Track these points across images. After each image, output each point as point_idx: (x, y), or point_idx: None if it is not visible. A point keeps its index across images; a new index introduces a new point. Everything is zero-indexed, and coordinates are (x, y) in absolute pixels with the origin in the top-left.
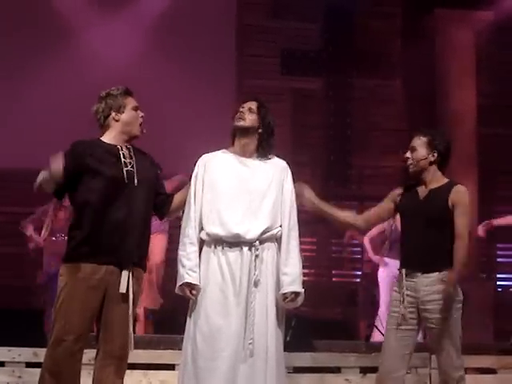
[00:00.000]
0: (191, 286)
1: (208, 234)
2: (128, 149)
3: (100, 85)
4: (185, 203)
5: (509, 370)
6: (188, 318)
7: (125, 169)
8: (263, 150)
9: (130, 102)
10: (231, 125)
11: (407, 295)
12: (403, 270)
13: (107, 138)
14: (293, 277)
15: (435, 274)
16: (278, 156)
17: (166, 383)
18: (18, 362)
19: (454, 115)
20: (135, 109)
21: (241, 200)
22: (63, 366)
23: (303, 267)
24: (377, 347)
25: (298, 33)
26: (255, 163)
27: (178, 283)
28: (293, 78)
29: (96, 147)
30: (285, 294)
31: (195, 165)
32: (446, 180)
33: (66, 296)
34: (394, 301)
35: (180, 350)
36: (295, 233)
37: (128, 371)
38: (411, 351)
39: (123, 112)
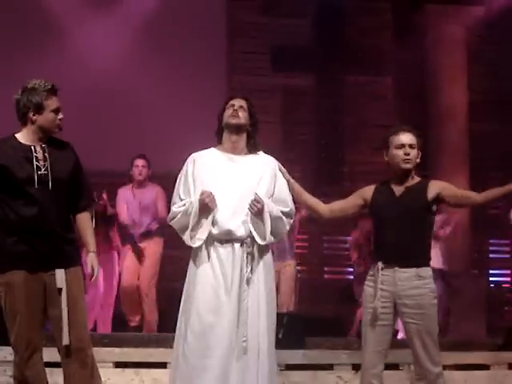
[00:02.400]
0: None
1: None
2: (42, 148)
3: (91, 81)
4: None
5: (501, 366)
6: (179, 316)
7: (38, 172)
8: (252, 147)
9: (52, 104)
10: (218, 123)
11: (382, 289)
12: (379, 264)
13: (22, 136)
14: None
15: (413, 270)
16: (267, 152)
17: (158, 381)
18: (10, 362)
19: (445, 111)
20: (55, 111)
21: (231, 196)
22: (26, 373)
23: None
24: None
25: (289, 29)
26: (245, 160)
27: (195, 206)
28: (283, 75)
29: (8, 148)
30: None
31: (184, 163)
32: (418, 178)
33: (9, 306)
34: (369, 296)
35: (172, 348)
36: (288, 209)
37: (119, 370)
38: (388, 346)
39: (41, 114)
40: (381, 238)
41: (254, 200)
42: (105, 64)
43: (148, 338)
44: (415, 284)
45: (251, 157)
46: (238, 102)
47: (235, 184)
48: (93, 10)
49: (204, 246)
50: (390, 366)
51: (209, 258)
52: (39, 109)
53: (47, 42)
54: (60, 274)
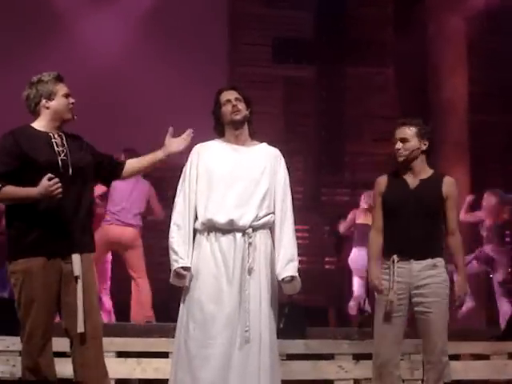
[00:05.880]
0: (184, 270)
1: (202, 221)
2: (60, 136)
3: (92, 74)
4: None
5: (501, 355)
6: (181, 306)
7: (59, 157)
8: (253, 135)
9: (61, 89)
10: (214, 119)
11: (398, 282)
12: (394, 257)
13: (38, 124)
14: (284, 262)
15: (428, 260)
16: (269, 143)
17: (160, 371)
18: (12, 351)
19: (445, 103)
20: (66, 96)
21: (235, 187)
22: (38, 360)
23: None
24: (369, 334)
25: (291, 21)
26: (249, 151)
27: (173, 268)
28: (285, 66)
29: (27, 135)
30: (283, 279)
31: (189, 154)
32: (431, 170)
33: (26, 293)
34: (384, 289)
35: (174, 337)
36: (289, 220)
37: (122, 359)
38: (403, 337)
39: (53, 99)
40: (395, 231)
41: None
42: (104, 57)
43: (150, 327)
44: (430, 273)
45: (255, 148)
46: (231, 95)
47: (239, 175)
48: (93, 4)
49: (206, 235)
50: None
51: (210, 247)
52: (50, 95)
53: (46, 36)
54: (77, 261)
